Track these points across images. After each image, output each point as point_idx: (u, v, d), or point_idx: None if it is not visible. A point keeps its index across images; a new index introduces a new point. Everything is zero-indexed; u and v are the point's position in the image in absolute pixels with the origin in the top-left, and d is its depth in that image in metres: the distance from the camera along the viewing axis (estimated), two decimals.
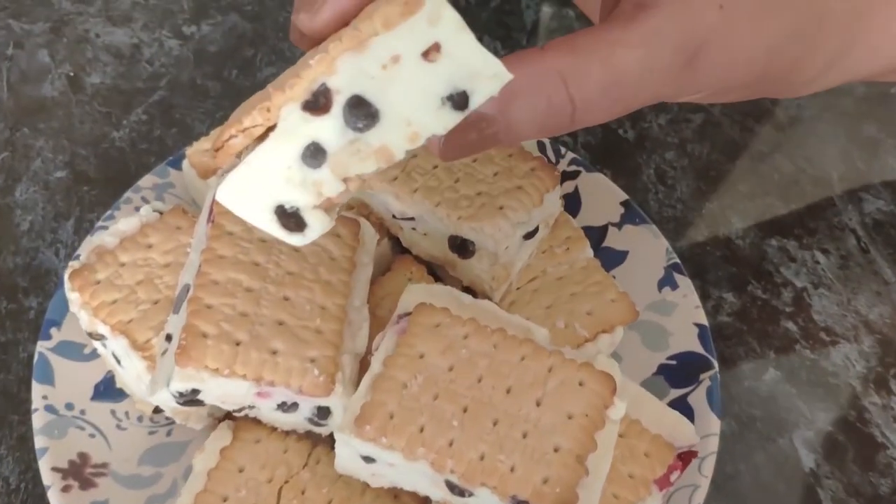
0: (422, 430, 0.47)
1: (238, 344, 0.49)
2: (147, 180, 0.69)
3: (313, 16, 0.40)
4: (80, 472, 0.56)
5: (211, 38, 0.86)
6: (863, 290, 0.73)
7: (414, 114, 0.38)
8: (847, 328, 0.71)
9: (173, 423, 0.59)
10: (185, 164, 0.67)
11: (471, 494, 0.47)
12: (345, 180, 0.39)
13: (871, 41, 0.50)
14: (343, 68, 0.37)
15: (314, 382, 0.50)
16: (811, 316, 0.71)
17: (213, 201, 0.54)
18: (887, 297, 0.73)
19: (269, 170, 0.39)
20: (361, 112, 0.38)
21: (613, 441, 0.49)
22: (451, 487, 0.47)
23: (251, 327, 0.50)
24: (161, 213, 0.61)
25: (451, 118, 0.38)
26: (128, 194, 0.68)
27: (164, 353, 0.52)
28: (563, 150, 0.73)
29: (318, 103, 0.38)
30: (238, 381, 0.49)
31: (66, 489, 0.55)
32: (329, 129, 0.38)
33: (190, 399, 0.50)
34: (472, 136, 0.42)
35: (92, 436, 0.58)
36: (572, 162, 0.72)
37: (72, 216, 0.73)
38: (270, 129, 0.39)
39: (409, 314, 0.53)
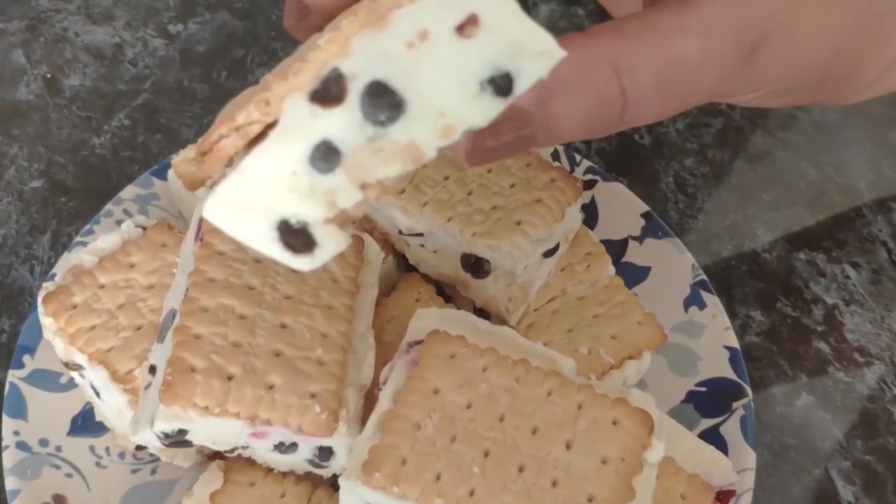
0: (438, 477, 0.42)
1: (230, 378, 0.44)
2: (129, 191, 0.64)
3: None
4: None
5: (199, 38, 0.81)
6: None
7: (447, 102, 0.32)
8: (882, 348, 0.66)
9: (158, 459, 0.54)
10: (171, 174, 0.62)
11: None
12: (362, 187, 0.32)
13: None
14: (360, 49, 0.31)
15: (315, 420, 0.44)
16: (844, 335, 0.67)
17: (200, 223, 0.49)
18: None
19: (270, 177, 0.32)
20: (384, 102, 0.31)
21: (652, 487, 0.44)
22: None
23: (245, 359, 0.45)
24: (144, 228, 0.56)
25: (493, 107, 0.32)
26: (108, 207, 0.63)
27: (147, 386, 0.47)
28: (577, 157, 0.68)
29: (329, 92, 0.31)
30: (231, 421, 0.44)
31: None
32: (344, 123, 0.32)
33: (176, 440, 0.45)
34: (507, 136, 0.36)
35: (69, 475, 0.53)
36: (588, 170, 0.67)
37: (48, 230, 0.68)
38: (270, 126, 0.32)
39: (420, 342, 0.47)
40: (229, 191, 0.32)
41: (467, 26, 0.31)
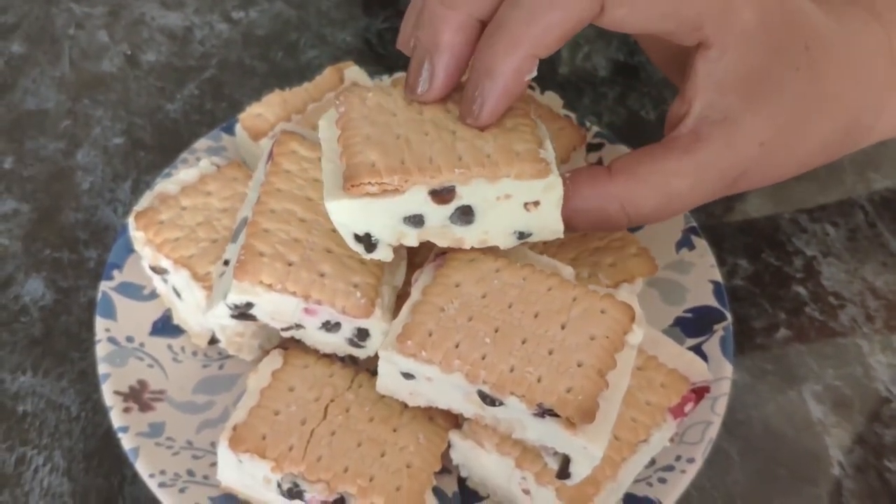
0: (457, 346, 0.51)
1: (290, 265, 0.54)
2: (202, 143, 0.74)
3: (427, 94, 0.52)
4: (139, 397, 0.61)
5: (258, 23, 0.92)
6: (870, 260, 0.77)
7: (493, 230, 0.53)
8: (854, 293, 0.75)
9: (226, 358, 0.64)
10: (238, 127, 0.72)
11: (501, 404, 0.51)
12: (421, 242, 0.53)
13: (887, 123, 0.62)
14: (474, 184, 0.50)
15: (356, 304, 0.54)
16: (820, 282, 0.76)
17: (272, 147, 0.59)
18: (893, 267, 0.77)
19: (380, 214, 0.51)
20: (465, 217, 0.52)
21: (631, 363, 0.53)
22: (483, 397, 0.51)
23: (303, 251, 0.55)
24: (218, 167, 0.66)
25: (513, 243, 0.54)
26: (184, 155, 0.73)
27: (221, 275, 0.57)
28: (588, 124, 0.77)
29: (441, 195, 0.51)
30: (288, 298, 0.54)
31: (126, 410, 0.60)
32: (436, 213, 0.52)
33: (243, 312, 0.55)
34: None
35: (150, 366, 0.63)
36: (597, 135, 0.77)
37: (129, 178, 0.79)
38: (395, 190, 0.50)
39: (444, 253, 0.57)
40: (356, 208, 0.51)
41: (531, 206, 0.52)
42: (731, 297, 0.72)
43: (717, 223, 0.79)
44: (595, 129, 0.77)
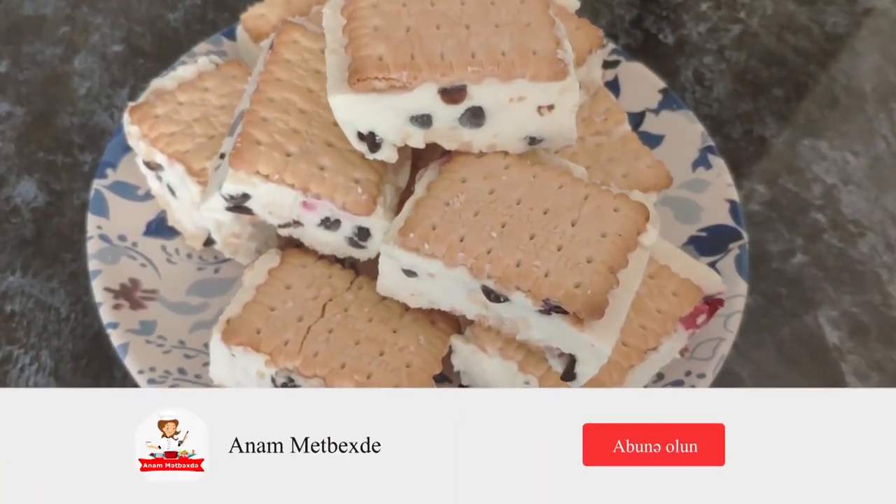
0: (462, 239, 0.49)
1: (289, 155, 0.52)
2: (202, 47, 0.71)
3: None
4: (130, 294, 0.59)
5: None
6: (891, 189, 0.74)
7: (503, 134, 0.51)
8: (875, 222, 0.72)
9: (221, 262, 0.62)
10: (239, 28, 0.69)
11: (506, 300, 0.49)
12: (426, 143, 0.51)
13: None
14: (486, 85, 0.49)
15: (357, 200, 0.52)
16: (840, 209, 0.73)
17: (273, 38, 0.57)
18: None
19: (386, 112, 0.50)
20: (475, 119, 0.50)
21: (644, 264, 0.51)
22: (488, 293, 0.49)
23: (302, 143, 0.52)
24: (217, 64, 0.63)
25: (523, 148, 0.52)
26: (183, 58, 0.70)
27: (217, 168, 0.55)
28: (605, 41, 0.74)
29: (451, 94, 0.49)
30: (286, 190, 0.52)
31: (117, 307, 0.57)
32: (445, 114, 0.50)
33: (239, 205, 0.53)
34: None
35: (143, 265, 0.61)
36: (613, 52, 0.74)
37: (127, 85, 0.76)
38: (403, 87, 0.49)
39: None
40: (364, 102, 0.49)
41: (545, 109, 0.50)
42: (748, 221, 0.69)
43: (734, 147, 0.76)
44: (611, 45, 0.74)
